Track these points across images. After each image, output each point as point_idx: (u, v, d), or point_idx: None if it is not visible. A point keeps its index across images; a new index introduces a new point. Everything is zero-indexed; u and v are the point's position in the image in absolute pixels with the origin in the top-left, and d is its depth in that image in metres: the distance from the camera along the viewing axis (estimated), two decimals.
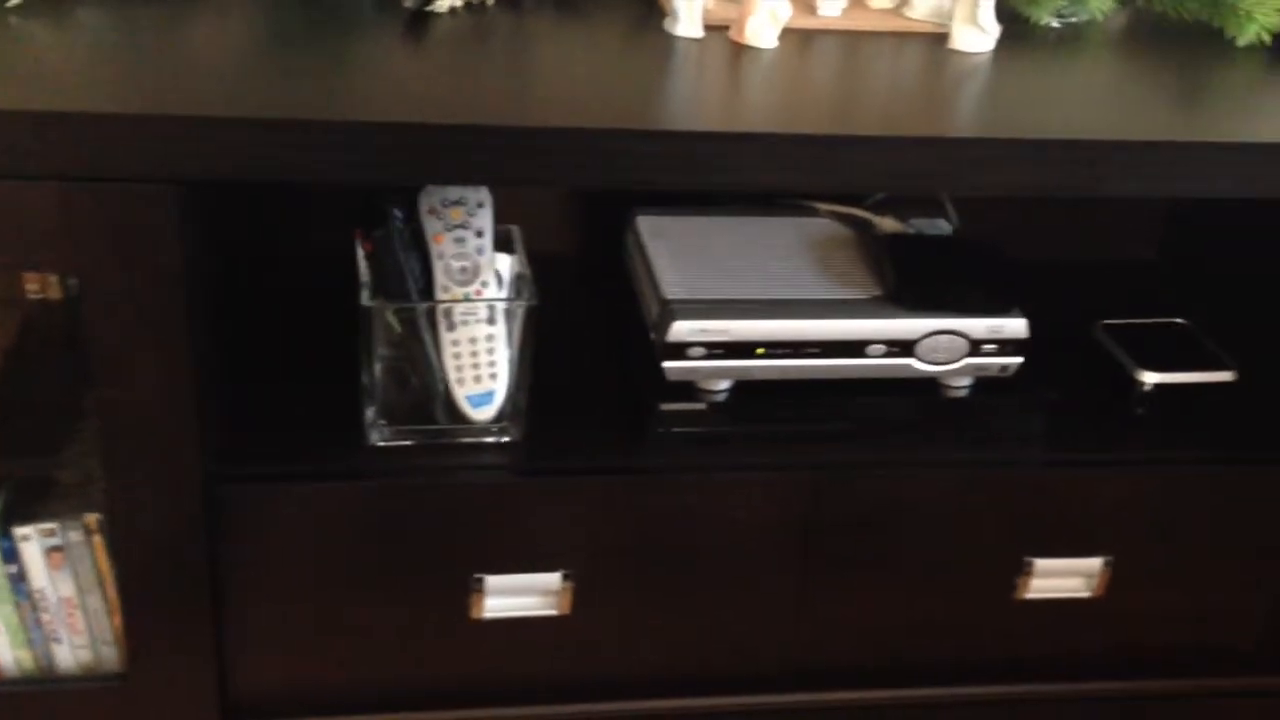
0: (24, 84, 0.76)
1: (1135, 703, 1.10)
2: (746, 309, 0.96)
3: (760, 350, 0.95)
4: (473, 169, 0.78)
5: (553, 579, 0.96)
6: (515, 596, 0.97)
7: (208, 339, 0.88)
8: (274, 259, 1.10)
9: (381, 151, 0.76)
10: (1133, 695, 1.10)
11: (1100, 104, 0.90)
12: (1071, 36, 1.01)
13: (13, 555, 0.91)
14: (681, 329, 0.94)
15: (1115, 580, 1.03)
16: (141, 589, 0.90)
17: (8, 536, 0.90)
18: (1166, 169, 0.84)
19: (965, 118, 0.86)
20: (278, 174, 0.75)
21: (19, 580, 0.92)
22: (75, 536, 0.91)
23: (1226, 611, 1.07)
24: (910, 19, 0.99)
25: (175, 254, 0.78)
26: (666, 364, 0.95)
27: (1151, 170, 0.83)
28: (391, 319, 0.92)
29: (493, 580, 0.96)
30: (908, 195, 1.08)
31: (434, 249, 0.93)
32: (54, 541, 0.91)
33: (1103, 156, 0.83)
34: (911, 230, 1.07)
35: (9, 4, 0.85)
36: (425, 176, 0.80)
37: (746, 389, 0.98)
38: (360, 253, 0.92)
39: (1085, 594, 1.04)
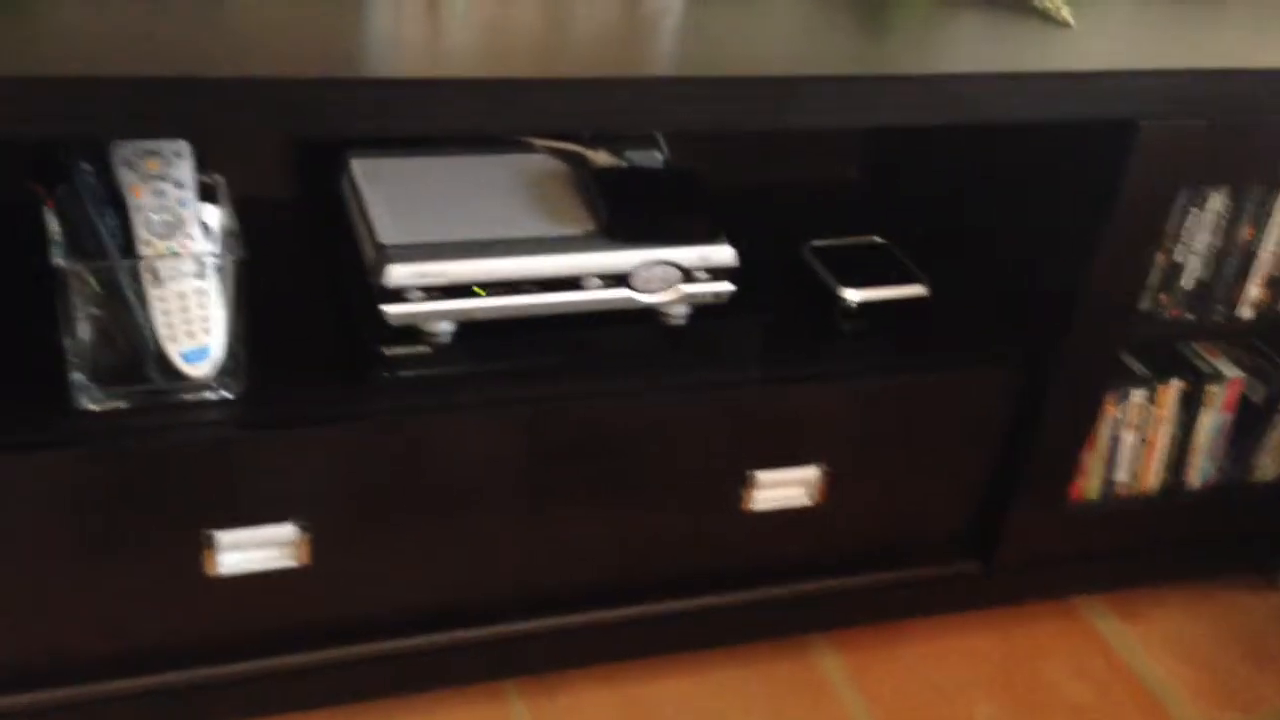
0: None
1: (855, 598, 1.19)
2: (463, 250, 0.97)
3: (479, 290, 0.97)
4: (161, 123, 0.76)
5: (287, 530, 0.96)
6: (251, 550, 0.97)
7: None
8: None
9: (61, 107, 0.73)
10: (852, 591, 1.18)
11: (786, 41, 0.94)
12: None
13: None
14: (398, 273, 0.94)
15: (833, 487, 1.10)
16: None
17: None
18: (841, 102, 0.89)
19: (654, 58, 0.89)
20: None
21: None
22: None
23: (929, 506, 1.17)
24: None
25: None
26: (386, 308, 0.96)
27: (827, 103, 0.88)
28: (90, 279, 0.89)
29: (225, 536, 0.95)
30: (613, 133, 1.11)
31: (131, 201, 0.90)
32: None
33: (785, 91, 0.87)
34: (624, 164, 1.09)
35: None
36: (109, 133, 0.77)
37: (471, 329, 1.00)
38: (46, 210, 0.88)
39: (807, 502, 1.11)
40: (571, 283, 0.99)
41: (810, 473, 1.09)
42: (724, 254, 1.02)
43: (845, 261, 1.14)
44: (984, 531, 1.20)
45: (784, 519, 1.12)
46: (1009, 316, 1.14)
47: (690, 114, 0.86)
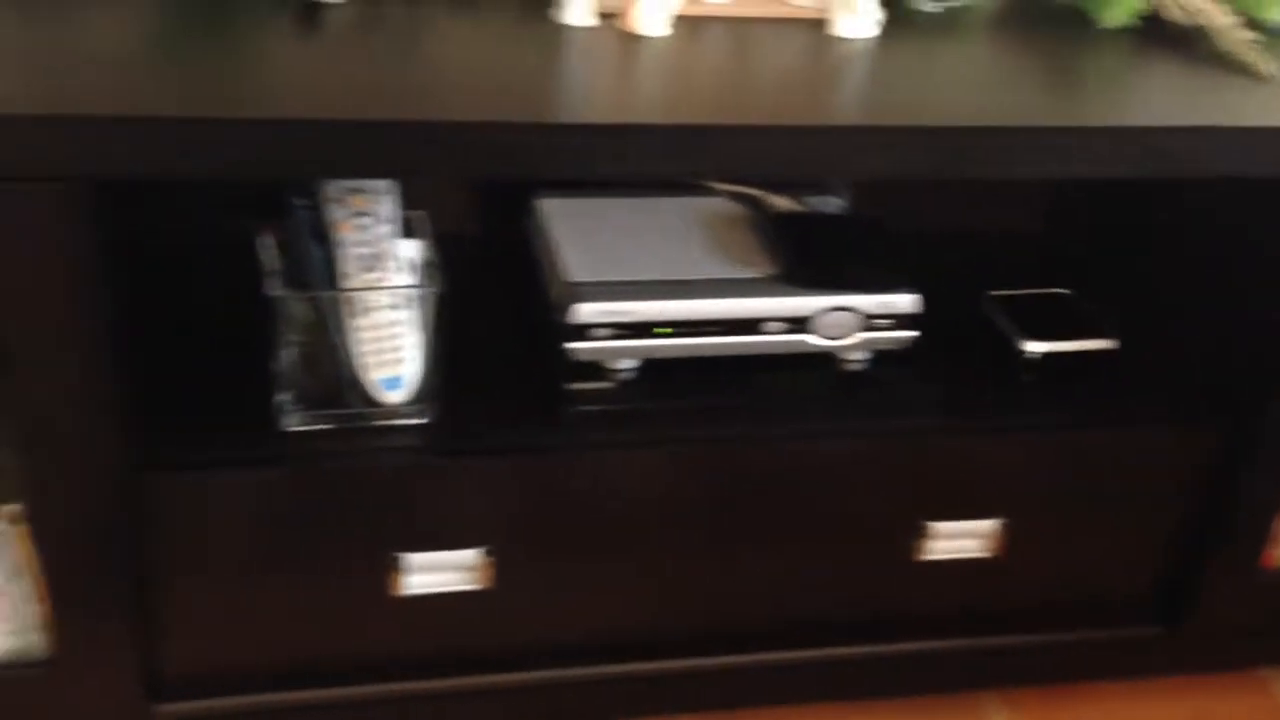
0: None
1: (1032, 656, 1.16)
2: (648, 289, 1.00)
3: (661, 330, 0.99)
4: (369, 163, 0.81)
5: (471, 555, 1.00)
6: (436, 573, 1.00)
7: (122, 332, 0.90)
8: (174, 248, 1.12)
9: (278, 148, 0.78)
10: (1029, 649, 1.15)
11: (974, 89, 0.94)
12: (950, 21, 1.06)
13: None
14: (584, 311, 0.98)
15: (1011, 541, 1.08)
16: (64, 577, 0.93)
17: None
18: (1031, 154, 0.88)
19: (843, 106, 0.90)
20: (174, 172, 0.78)
21: None
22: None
23: (1112, 566, 1.13)
24: (794, 4, 1.03)
25: (84, 249, 0.80)
26: (572, 345, 0.99)
27: (1017, 154, 0.88)
28: (300, 308, 0.95)
29: (412, 558, 0.99)
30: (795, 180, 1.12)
31: (337, 236, 0.96)
32: None
33: (973, 142, 0.87)
34: (803, 208, 1.11)
35: None
36: (322, 172, 0.83)
37: (653, 366, 1.02)
38: (264, 242, 0.95)
39: (984, 554, 1.09)
40: (752, 325, 1.01)
41: (988, 525, 1.08)
42: (906, 302, 1.02)
43: (1027, 312, 1.13)
44: (1170, 595, 1.16)
45: (959, 571, 1.10)
46: (1203, 373, 1.11)
47: (877, 163, 0.87)
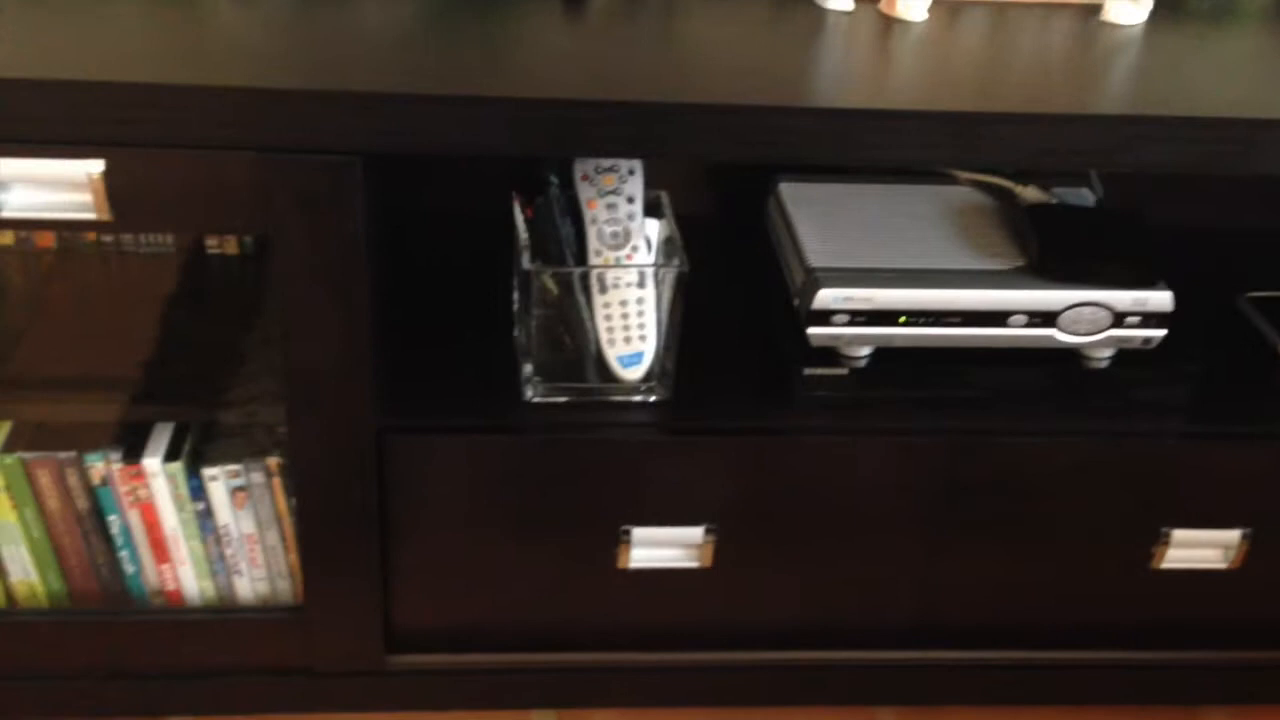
0: (217, 61, 0.82)
1: (1268, 672, 1.11)
2: (889, 278, 0.98)
3: (903, 319, 0.98)
4: (627, 142, 0.82)
5: (696, 533, 1.01)
6: (660, 548, 1.02)
7: (380, 299, 0.94)
8: (437, 220, 1.16)
9: (542, 126, 0.80)
10: (1267, 665, 1.11)
11: (1253, 79, 0.89)
12: (1225, 7, 1.01)
13: (200, 493, 0.98)
14: (826, 297, 0.97)
15: (1252, 552, 1.04)
16: (315, 529, 0.97)
17: (196, 476, 0.98)
18: None
19: (1114, 94, 0.87)
20: (447, 147, 0.80)
21: (206, 516, 1.00)
22: (257, 478, 0.98)
23: None
24: None
25: (355, 219, 0.83)
26: (811, 330, 0.98)
27: None
28: (548, 281, 0.96)
29: (639, 532, 1.01)
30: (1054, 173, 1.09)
31: (587, 214, 0.97)
32: (239, 482, 0.98)
33: (1254, 135, 0.83)
34: (1054, 200, 1.07)
35: None
36: (583, 149, 0.84)
37: (888, 355, 1.01)
38: (520, 218, 0.97)
39: (1222, 565, 1.05)
40: (997, 318, 0.99)
41: (1230, 536, 1.03)
42: (1161, 299, 0.98)
43: None
44: None
45: (1195, 581, 1.06)
46: None
47: (1152, 155, 0.83)
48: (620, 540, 1.01)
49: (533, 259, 0.95)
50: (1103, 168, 0.87)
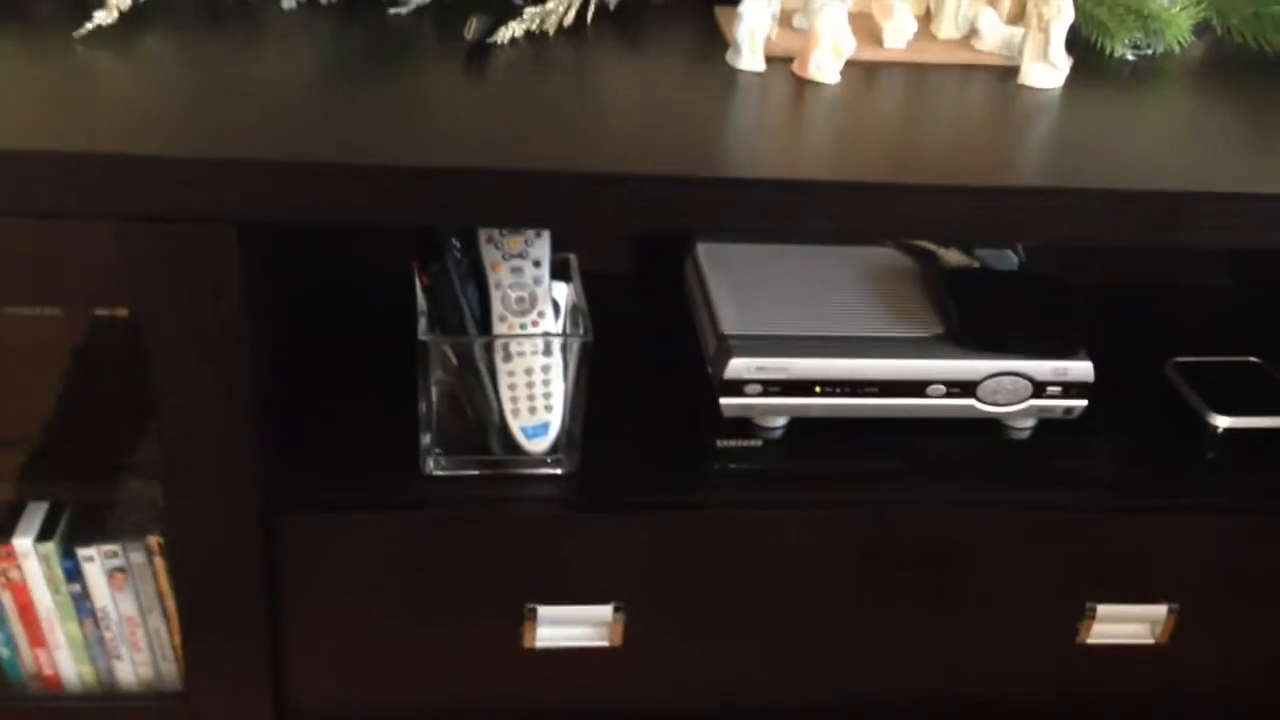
0: (87, 121, 0.77)
1: None
2: (805, 346, 0.95)
3: (818, 388, 0.94)
4: (532, 213, 0.78)
5: (604, 611, 0.96)
6: (567, 627, 0.97)
7: (265, 370, 0.89)
8: (330, 287, 1.11)
9: (439, 196, 0.76)
10: None
11: (1176, 147, 0.87)
12: (1147, 69, 0.98)
13: (76, 574, 0.93)
14: (739, 366, 0.93)
15: (1180, 627, 1.01)
16: (200, 612, 0.92)
17: (71, 556, 0.92)
18: (1243, 220, 0.81)
19: (1032, 164, 0.84)
20: (336, 216, 0.75)
21: (82, 599, 0.94)
22: (137, 558, 0.93)
23: None
24: (979, 51, 0.97)
25: (233, 290, 0.79)
26: (723, 400, 0.94)
27: (1229, 221, 0.81)
28: (448, 351, 0.92)
29: (545, 610, 0.96)
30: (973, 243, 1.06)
31: (491, 278, 0.93)
32: (117, 563, 0.93)
33: (1178, 207, 0.80)
34: (976, 263, 1.04)
35: (76, 34, 0.86)
36: (483, 219, 0.80)
37: (803, 425, 0.97)
38: (418, 285, 0.92)
39: (1149, 640, 1.02)
40: (915, 388, 0.95)
41: (1158, 610, 1.00)
42: (1082, 369, 0.95)
43: (1214, 382, 1.05)
44: None
45: (1121, 656, 1.03)
46: None
47: (1072, 229, 0.80)
48: (526, 618, 0.96)
49: (431, 327, 0.91)
50: (1022, 240, 0.84)
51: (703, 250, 1.05)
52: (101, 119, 0.77)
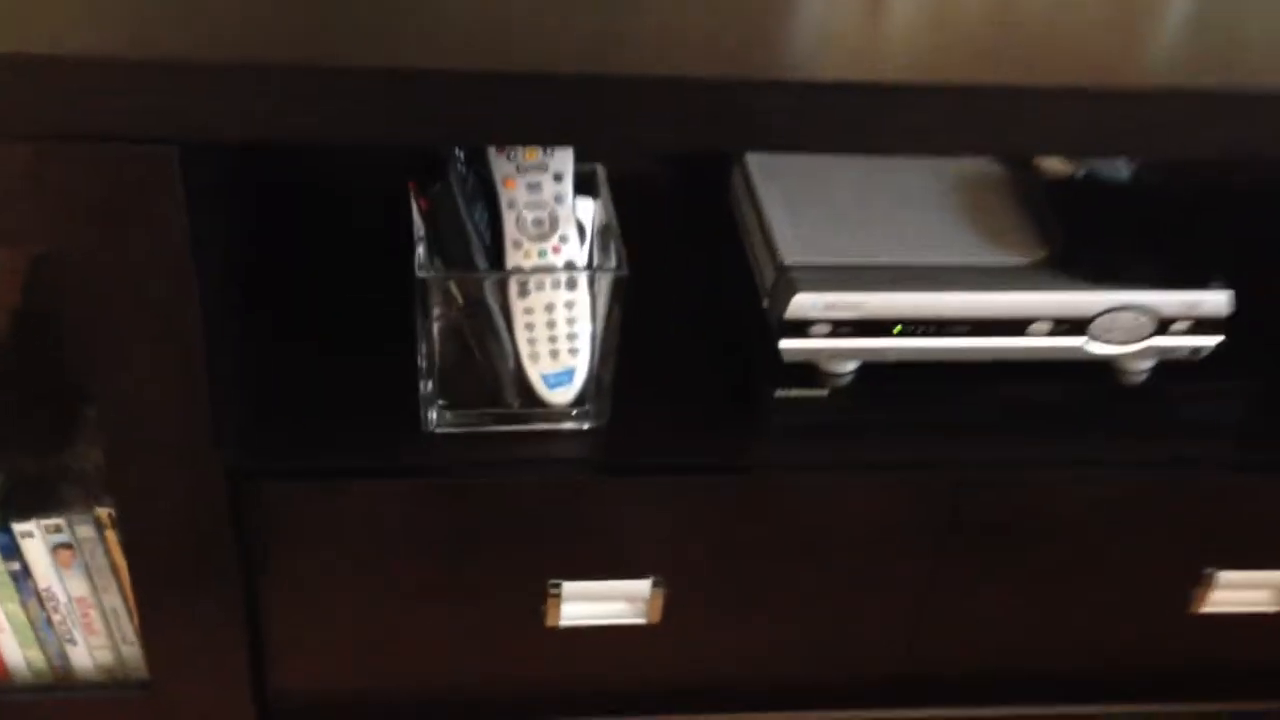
0: None
1: None
2: (881, 277, 0.78)
3: (898, 328, 0.78)
4: (545, 129, 0.61)
5: (641, 586, 0.82)
6: (598, 603, 0.83)
7: (229, 314, 0.73)
8: (309, 212, 0.94)
9: (434, 109, 0.59)
10: None
11: None
12: None
13: (13, 551, 0.78)
14: (804, 303, 0.77)
15: None
16: (159, 592, 0.78)
17: (6, 531, 0.77)
18: None
19: (1161, 60, 0.67)
20: (303, 135, 0.59)
21: (24, 577, 0.80)
22: (85, 532, 0.78)
23: None
24: None
25: (177, 224, 0.62)
26: (783, 343, 0.78)
27: None
28: (453, 288, 0.76)
29: (571, 586, 0.82)
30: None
31: (504, 196, 0.76)
32: (61, 538, 0.78)
33: None
34: (1082, 172, 0.87)
35: None
36: (490, 137, 0.63)
37: (876, 371, 0.81)
38: (415, 209, 0.76)
39: (1272, 609, 0.88)
40: (1014, 326, 0.79)
41: None
42: (1216, 302, 0.79)
43: None
44: None
45: (1241, 626, 0.89)
46: None
47: (1205, 137, 0.63)
48: (549, 595, 0.82)
49: (430, 260, 0.75)
50: (1162, 153, 0.67)
51: (753, 160, 0.88)
52: (9, 11, 0.60)
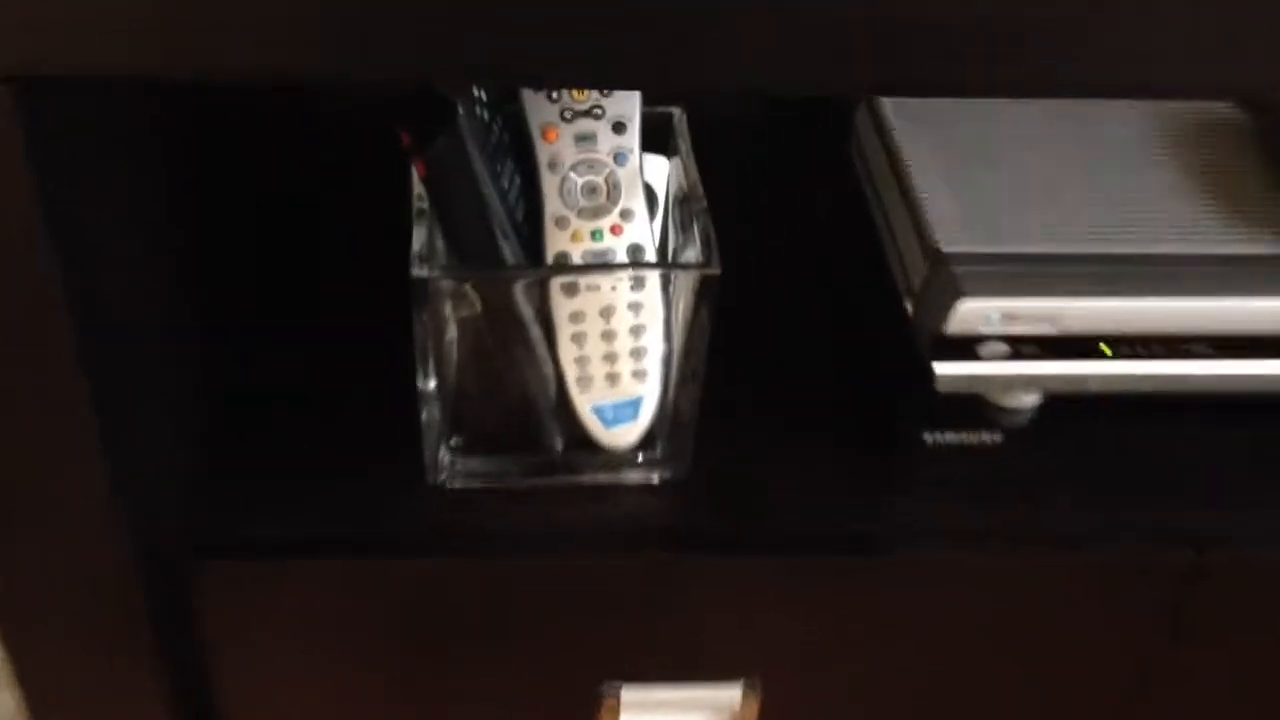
0: None
1: None
2: (1081, 272, 0.55)
3: (1106, 347, 0.55)
4: (615, 66, 0.38)
5: (728, 692, 0.60)
6: (670, 714, 0.61)
7: (149, 321, 0.51)
8: (273, 174, 0.71)
9: (417, 33, 0.36)
10: None
11: None
12: None
13: None
14: (973, 312, 0.53)
15: None
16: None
17: None
18: None
19: None
20: (200, 71, 0.36)
21: None
22: None
23: None
24: None
25: (17, 200, 0.40)
26: (940, 368, 0.55)
27: None
28: (470, 292, 0.53)
29: (634, 693, 0.60)
30: None
31: (542, 152, 0.53)
32: None
33: None
34: None
35: None
36: (514, 76, 0.40)
37: (1067, 405, 0.58)
38: (414, 174, 0.53)
39: None
40: (1264, 344, 0.55)
41: None
42: None
43: None
44: None
45: None
46: None
47: None
48: (603, 701, 0.60)
49: (430, 249, 0.52)
50: None
51: (886, 107, 0.64)
52: None
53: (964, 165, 0.60)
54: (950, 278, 0.54)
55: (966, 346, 0.54)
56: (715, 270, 0.52)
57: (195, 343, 0.58)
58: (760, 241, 0.67)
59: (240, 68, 0.37)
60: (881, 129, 0.63)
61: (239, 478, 0.56)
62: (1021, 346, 0.54)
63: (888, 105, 0.63)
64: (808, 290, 0.67)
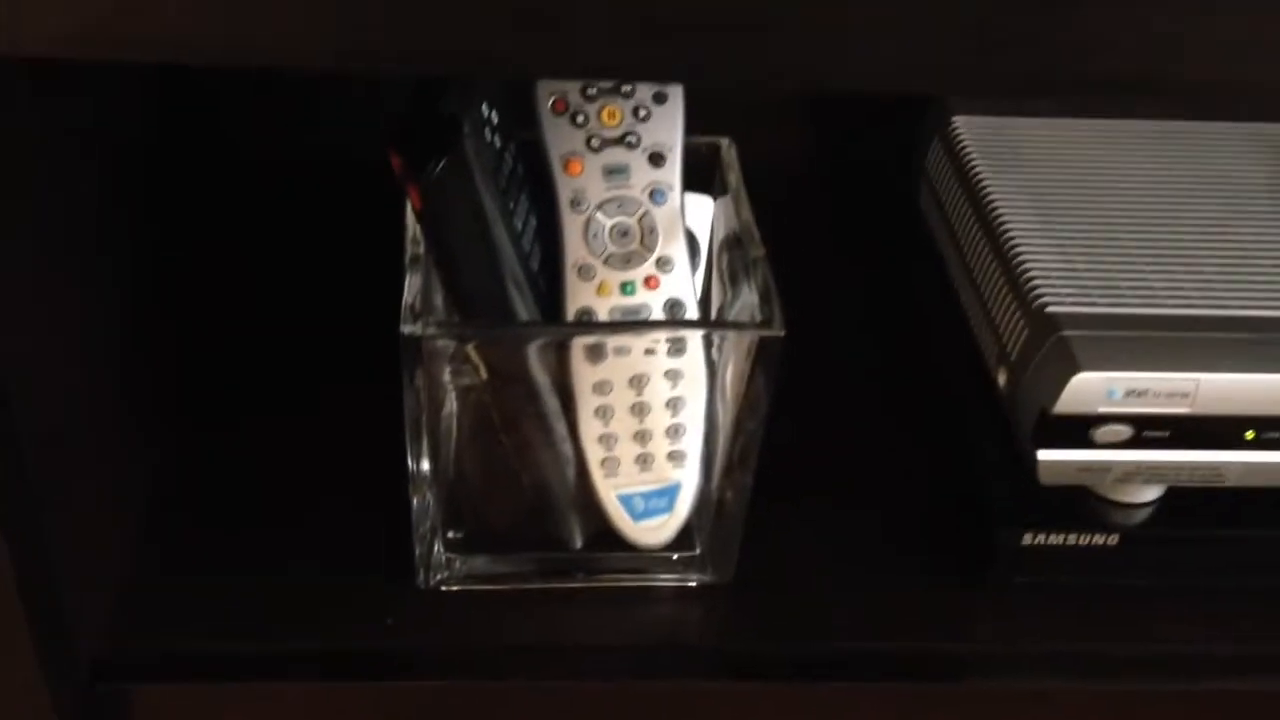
0: None
1: None
2: (1216, 337, 0.45)
3: (1251, 433, 0.45)
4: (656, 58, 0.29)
5: None
6: None
7: (84, 379, 0.41)
8: (243, 202, 0.61)
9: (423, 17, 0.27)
10: None
11: None
12: None
13: None
14: (1089, 387, 0.43)
15: None
16: None
17: None
18: None
19: None
20: (188, 54, 0.27)
21: None
22: None
23: None
24: None
25: None
26: (1044, 455, 0.45)
27: None
28: (473, 354, 0.43)
29: None
30: None
31: (563, 186, 0.44)
32: None
33: None
34: None
35: None
36: (523, 66, 0.31)
37: (1188, 503, 0.48)
38: (408, 206, 0.43)
39: None
40: None
41: None
42: None
43: None
44: None
45: None
46: None
47: None
48: None
49: (424, 302, 0.42)
50: None
51: (965, 126, 0.54)
52: None
53: (1061, 208, 0.50)
54: (1061, 345, 0.44)
55: (1078, 429, 0.44)
56: (778, 331, 0.42)
57: (157, 396, 0.48)
58: (816, 299, 0.57)
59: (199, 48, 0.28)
60: (960, 168, 0.53)
61: (179, 580, 0.46)
62: (1146, 429, 0.45)
63: (967, 139, 0.54)
64: (874, 359, 0.57)
